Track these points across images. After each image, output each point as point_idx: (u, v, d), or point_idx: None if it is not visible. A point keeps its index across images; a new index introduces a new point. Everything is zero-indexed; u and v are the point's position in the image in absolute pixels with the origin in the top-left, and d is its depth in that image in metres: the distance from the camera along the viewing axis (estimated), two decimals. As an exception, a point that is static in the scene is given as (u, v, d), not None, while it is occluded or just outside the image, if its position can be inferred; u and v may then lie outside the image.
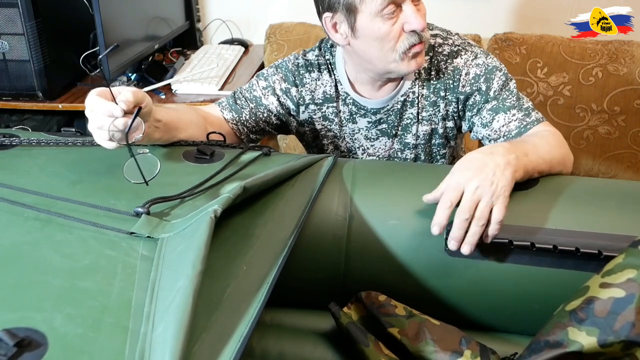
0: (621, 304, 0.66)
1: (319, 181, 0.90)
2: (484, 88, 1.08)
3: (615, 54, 1.74)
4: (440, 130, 1.16)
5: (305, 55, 1.18)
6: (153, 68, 1.86)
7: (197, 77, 1.79)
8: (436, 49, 1.11)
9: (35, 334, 0.57)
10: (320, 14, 1.06)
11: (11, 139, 0.98)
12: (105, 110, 0.82)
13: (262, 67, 1.97)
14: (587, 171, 1.86)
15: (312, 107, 1.18)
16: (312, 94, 1.17)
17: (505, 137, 1.06)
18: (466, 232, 0.82)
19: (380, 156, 1.21)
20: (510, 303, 0.87)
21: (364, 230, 0.88)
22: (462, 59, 1.10)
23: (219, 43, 2.17)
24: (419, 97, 1.13)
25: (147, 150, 0.88)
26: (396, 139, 1.18)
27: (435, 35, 1.12)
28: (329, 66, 1.16)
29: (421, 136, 1.17)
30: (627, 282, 0.67)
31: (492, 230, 0.81)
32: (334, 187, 0.91)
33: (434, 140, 1.18)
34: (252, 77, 1.22)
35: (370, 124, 1.18)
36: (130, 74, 1.80)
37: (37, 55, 1.60)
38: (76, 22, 1.75)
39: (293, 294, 0.93)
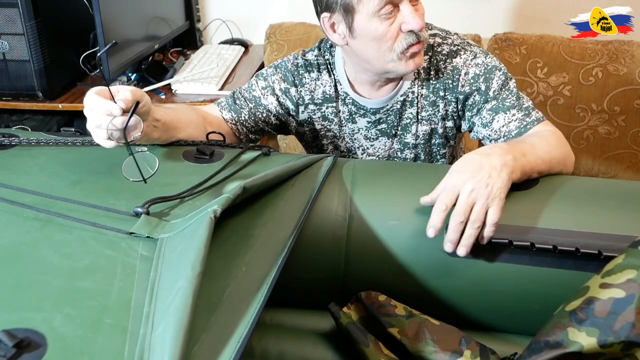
0: (621, 304, 0.66)
1: (318, 181, 0.90)
2: (483, 88, 1.08)
3: (615, 54, 1.74)
4: (440, 130, 1.16)
5: (304, 56, 1.18)
6: (153, 68, 1.86)
7: (197, 77, 1.79)
8: (435, 49, 1.11)
9: (34, 334, 0.57)
10: (318, 14, 1.06)
11: (11, 138, 0.98)
12: (103, 109, 0.82)
13: (262, 67, 1.97)
14: (587, 171, 1.86)
15: (311, 107, 1.18)
16: (312, 94, 1.17)
17: (505, 137, 1.06)
18: (462, 234, 0.82)
19: (380, 156, 1.21)
20: (510, 303, 0.87)
21: (363, 230, 0.88)
22: (461, 58, 1.10)
23: (219, 43, 2.17)
24: (419, 96, 1.13)
25: (146, 149, 0.88)
26: (396, 139, 1.18)
27: (434, 35, 1.12)
28: (329, 66, 1.16)
29: (421, 136, 1.17)
30: (627, 282, 0.67)
31: (488, 232, 0.82)
32: (334, 187, 0.91)
33: (433, 140, 1.18)
34: (252, 77, 1.22)
35: (370, 124, 1.17)
36: (130, 74, 1.80)
37: (37, 55, 1.60)
38: (76, 22, 1.75)
39: (293, 294, 0.93)
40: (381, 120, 1.17)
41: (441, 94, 1.12)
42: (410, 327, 0.82)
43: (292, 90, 1.17)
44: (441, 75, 1.11)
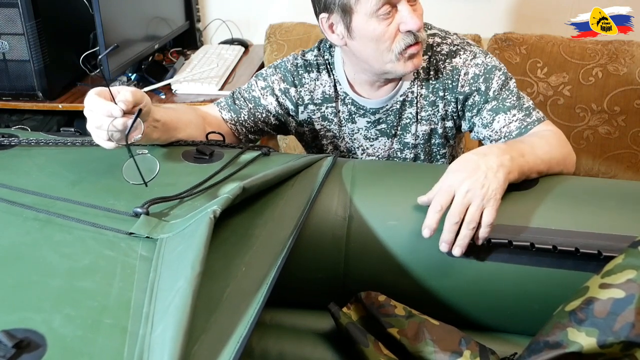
0: (621, 304, 0.66)
1: (318, 181, 0.90)
2: (483, 88, 1.08)
3: (615, 54, 1.74)
4: (440, 130, 1.16)
5: (304, 56, 1.18)
6: (153, 68, 1.86)
7: (197, 77, 1.79)
8: (435, 49, 1.11)
9: (34, 335, 0.57)
10: (317, 15, 1.06)
11: (10, 139, 0.98)
12: (104, 110, 0.82)
13: (262, 67, 1.97)
14: (587, 171, 1.86)
15: (311, 107, 1.18)
16: (311, 94, 1.17)
17: (506, 138, 1.06)
18: (457, 234, 0.82)
19: (380, 156, 1.21)
20: (510, 303, 0.87)
21: (363, 230, 0.88)
22: (461, 58, 1.09)
23: (219, 43, 2.17)
24: (418, 96, 1.13)
25: (147, 151, 0.88)
26: (395, 139, 1.18)
27: (433, 35, 1.12)
28: (328, 66, 1.16)
29: (420, 136, 1.16)
30: (627, 282, 0.67)
31: (483, 233, 0.82)
32: (334, 187, 0.91)
33: (433, 140, 1.18)
34: (252, 77, 1.22)
35: (370, 124, 1.17)
36: (130, 74, 1.80)
37: (37, 55, 1.60)
38: (76, 22, 1.75)
39: (293, 294, 0.93)
40: (381, 120, 1.17)
41: (441, 94, 1.12)
42: (409, 327, 0.82)
43: (292, 90, 1.17)
44: (441, 75, 1.11)
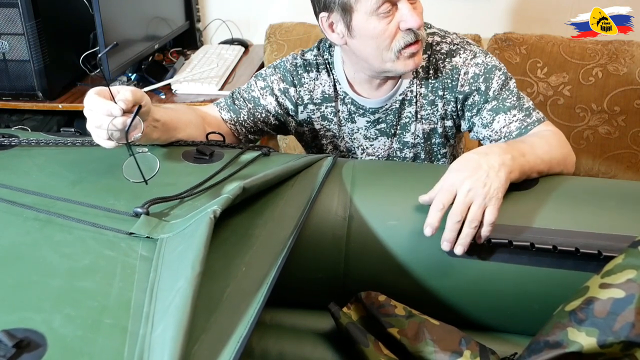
0: (621, 304, 0.66)
1: (318, 181, 0.90)
2: (483, 88, 1.08)
3: (615, 54, 1.74)
4: (440, 130, 1.16)
5: (303, 56, 1.18)
6: (153, 68, 1.86)
7: (197, 77, 1.79)
8: (434, 47, 1.11)
9: (34, 334, 0.57)
10: (316, 14, 1.06)
11: (10, 139, 0.98)
12: (104, 109, 0.82)
13: (262, 67, 1.97)
14: (587, 171, 1.86)
15: (310, 107, 1.18)
16: (311, 93, 1.17)
17: (506, 138, 1.06)
18: (459, 233, 0.82)
19: (380, 156, 1.21)
20: (510, 303, 0.87)
21: (363, 230, 0.88)
22: (460, 57, 1.09)
23: (219, 43, 2.17)
24: (417, 95, 1.13)
25: (147, 149, 0.88)
26: (395, 138, 1.18)
27: (432, 34, 1.12)
28: (328, 66, 1.16)
29: (420, 135, 1.16)
30: (627, 282, 0.67)
31: (485, 232, 0.82)
32: (334, 187, 0.91)
33: (433, 140, 1.18)
34: (251, 77, 1.22)
35: (369, 124, 1.17)
36: (130, 74, 1.80)
37: (37, 55, 1.60)
38: (76, 22, 1.75)
39: (293, 294, 0.93)
40: (380, 120, 1.17)
41: (440, 93, 1.12)
42: (410, 327, 0.82)
43: (291, 90, 1.17)
44: (440, 75, 1.11)
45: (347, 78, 1.14)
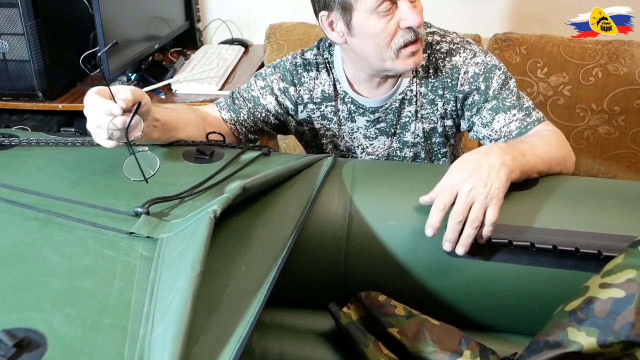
0: (621, 304, 0.66)
1: (318, 181, 0.90)
2: (483, 87, 1.08)
3: (615, 54, 1.74)
4: (440, 129, 1.16)
5: (303, 55, 1.18)
6: (153, 68, 1.86)
7: (197, 77, 1.79)
8: (434, 47, 1.11)
9: (34, 334, 0.57)
10: (316, 13, 1.06)
11: (11, 139, 0.98)
12: (104, 108, 0.82)
13: (262, 67, 1.96)
14: (587, 171, 1.86)
15: (310, 106, 1.18)
16: (311, 93, 1.17)
17: (506, 138, 1.06)
18: (461, 233, 0.82)
19: (380, 155, 1.21)
20: (510, 303, 0.87)
21: (363, 230, 0.88)
22: (460, 57, 1.09)
23: (219, 43, 2.17)
24: (417, 95, 1.13)
25: (147, 148, 0.88)
26: (395, 138, 1.18)
27: (432, 33, 1.12)
28: (327, 65, 1.16)
29: (420, 134, 1.16)
30: (627, 282, 0.67)
31: (486, 231, 0.82)
32: (334, 187, 0.91)
33: (433, 139, 1.18)
34: (251, 77, 1.22)
35: (369, 123, 1.17)
36: (130, 74, 1.80)
37: (37, 55, 1.60)
38: (76, 22, 1.75)
39: (293, 294, 0.93)
40: (380, 119, 1.17)
41: (440, 92, 1.12)
42: (410, 327, 0.82)
43: (291, 89, 1.17)
44: (440, 74, 1.11)
45: (347, 77, 1.14)
